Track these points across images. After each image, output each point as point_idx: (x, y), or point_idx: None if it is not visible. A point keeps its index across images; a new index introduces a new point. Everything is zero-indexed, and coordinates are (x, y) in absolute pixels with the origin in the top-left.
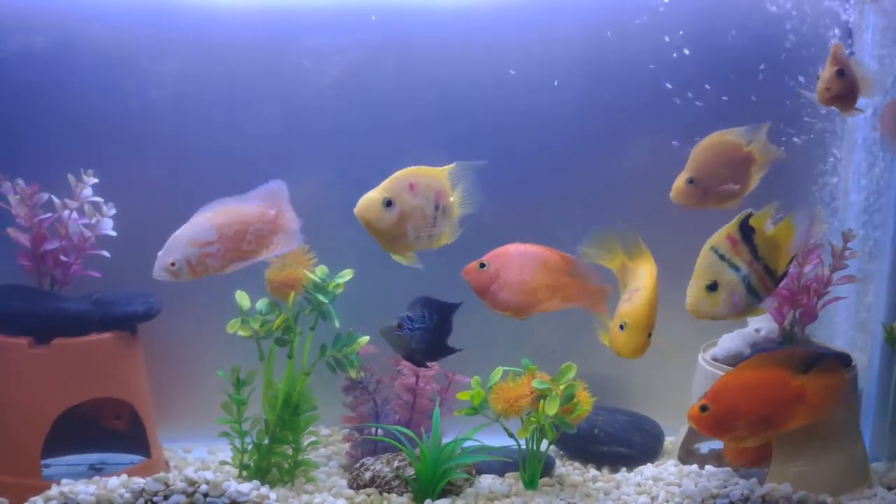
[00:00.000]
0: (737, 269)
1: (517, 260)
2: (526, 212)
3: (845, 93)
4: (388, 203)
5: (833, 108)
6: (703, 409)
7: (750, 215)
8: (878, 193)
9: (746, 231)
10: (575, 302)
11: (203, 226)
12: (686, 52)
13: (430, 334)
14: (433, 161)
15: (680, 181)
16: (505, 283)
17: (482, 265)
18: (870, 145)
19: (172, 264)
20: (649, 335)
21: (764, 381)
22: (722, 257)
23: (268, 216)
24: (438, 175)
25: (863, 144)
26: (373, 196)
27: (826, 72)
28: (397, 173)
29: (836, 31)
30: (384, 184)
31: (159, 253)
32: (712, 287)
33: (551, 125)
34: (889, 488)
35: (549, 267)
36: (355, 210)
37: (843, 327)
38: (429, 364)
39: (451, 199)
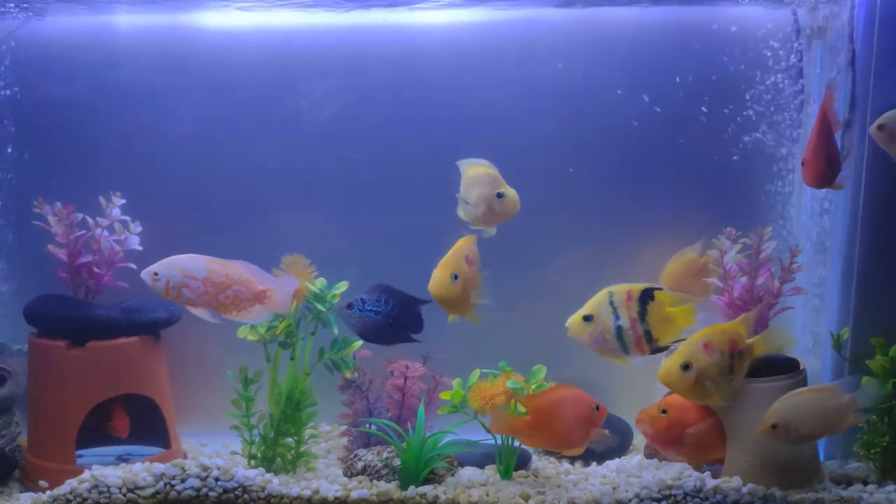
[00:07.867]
0: (616, 317)
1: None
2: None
3: None
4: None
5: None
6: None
7: (658, 288)
8: (829, 201)
9: (645, 296)
10: None
11: (199, 263)
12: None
13: (383, 318)
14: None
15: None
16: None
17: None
18: None
19: (156, 274)
20: (455, 277)
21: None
22: (611, 302)
23: (254, 287)
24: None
25: None
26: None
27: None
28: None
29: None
30: None
31: (156, 262)
32: (588, 318)
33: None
34: (837, 483)
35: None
36: None
37: (801, 334)
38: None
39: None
